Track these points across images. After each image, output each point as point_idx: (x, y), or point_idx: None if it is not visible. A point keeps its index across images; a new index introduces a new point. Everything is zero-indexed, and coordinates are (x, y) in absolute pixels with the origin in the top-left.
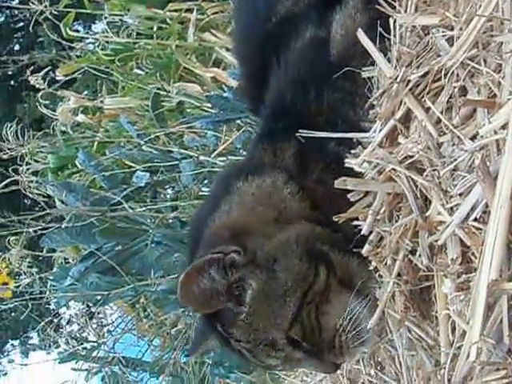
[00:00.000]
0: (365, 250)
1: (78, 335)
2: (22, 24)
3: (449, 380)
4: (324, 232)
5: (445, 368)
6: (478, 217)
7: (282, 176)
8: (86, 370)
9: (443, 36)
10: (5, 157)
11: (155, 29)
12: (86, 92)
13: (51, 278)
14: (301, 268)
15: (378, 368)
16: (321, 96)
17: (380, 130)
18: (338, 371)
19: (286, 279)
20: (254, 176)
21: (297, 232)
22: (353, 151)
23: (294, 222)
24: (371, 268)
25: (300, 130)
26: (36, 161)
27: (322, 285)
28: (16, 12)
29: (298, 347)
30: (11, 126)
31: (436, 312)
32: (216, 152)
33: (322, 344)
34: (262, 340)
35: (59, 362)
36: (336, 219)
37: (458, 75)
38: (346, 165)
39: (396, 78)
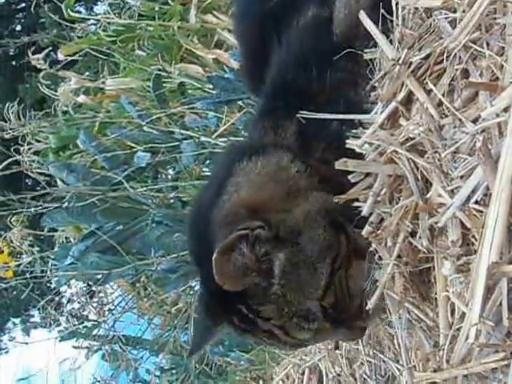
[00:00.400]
0: (365, 232)
1: (78, 313)
2: (23, 5)
3: (447, 361)
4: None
5: (444, 349)
6: (478, 199)
7: (286, 155)
8: (87, 347)
9: (446, 18)
10: (6, 137)
11: (157, 10)
12: (87, 73)
13: (52, 257)
14: (326, 237)
15: (377, 348)
16: (323, 75)
17: (381, 112)
18: (337, 351)
19: (313, 249)
20: (257, 156)
21: (316, 203)
22: (353, 132)
23: (306, 194)
24: (371, 249)
25: (301, 110)
26: (37, 141)
27: (345, 250)
28: None
29: (327, 317)
30: (13, 106)
31: (435, 294)
32: (217, 133)
33: (351, 310)
34: (296, 312)
35: (60, 340)
36: (336, 200)
37: (460, 58)
38: (348, 145)
39: (398, 60)
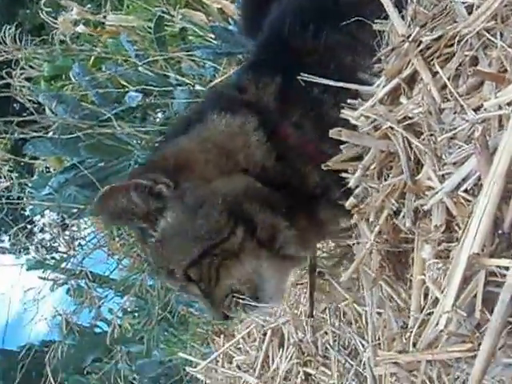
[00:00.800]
0: (348, 203)
1: (48, 245)
2: None
3: (414, 344)
4: (263, 190)
5: (412, 332)
6: (468, 188)
7: (254, 120)
8: (53, 280)
9: (463, 3)
10: (0, 59)
11: None
12: (89, 5)
13: (30, 185)
14: (218, 222)
15: (344, 321)
16: (319, 33)
17: (383, 86)
18: (303, 317)
19: (201, 226)
20: (227, 113)
21: (230, 186)
22: (350, 101)
23: (239, 173)
24: (352, 222)
25: (288, 68)
26: (31, 67)
27: (235, 245)
28: None
29: (195, 284)
30: (10, 29)
31: (411, 275)
32: (212, 83)
33: (215, 293)
34: (163, 266)
35: (27, 269)
36: (324, 168)
37: (471, 44)
38: (342, 116)
39: (408, 37)
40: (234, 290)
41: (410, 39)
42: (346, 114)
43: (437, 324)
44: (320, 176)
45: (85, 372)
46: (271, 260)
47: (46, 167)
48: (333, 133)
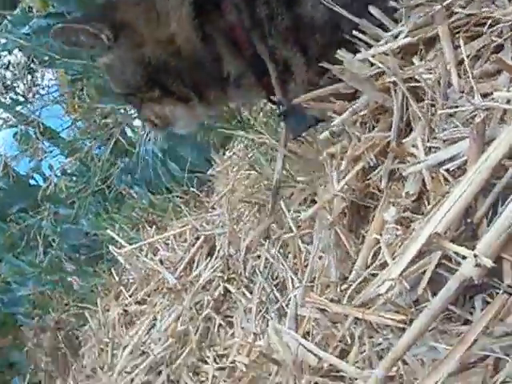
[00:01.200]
0: (323, 136)
1: (9, 83)
2: None
3: (349, 297)
4: (181, 64)
5: (351, 285)
6: (451, 169)
7: None
8: (3, 119)
9: None
10: None
11: None
12: None
13: (10, 18)
14: (138, 82)
15: (281, 252)
16: None
17: (400, 39)
18: (240, 235)
19: (126, 78)
20: None
21: (155, 56)
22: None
23: (167, 45)
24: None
25: None
26: None
27: (154, 96)
28: None
29: None
30: None
31: (365, 232)
32: None
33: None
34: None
35: None
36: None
37: (501, 31)
38: (338, 56)
39: (443, 1)
40: (149, 120)
41: (444, 4)
42: (341, 55)
43: (378, 286)
44: (237, 64)
45: (8, 219)
46: (185, 108)
47: (30, 7)
48: (335, 70)
